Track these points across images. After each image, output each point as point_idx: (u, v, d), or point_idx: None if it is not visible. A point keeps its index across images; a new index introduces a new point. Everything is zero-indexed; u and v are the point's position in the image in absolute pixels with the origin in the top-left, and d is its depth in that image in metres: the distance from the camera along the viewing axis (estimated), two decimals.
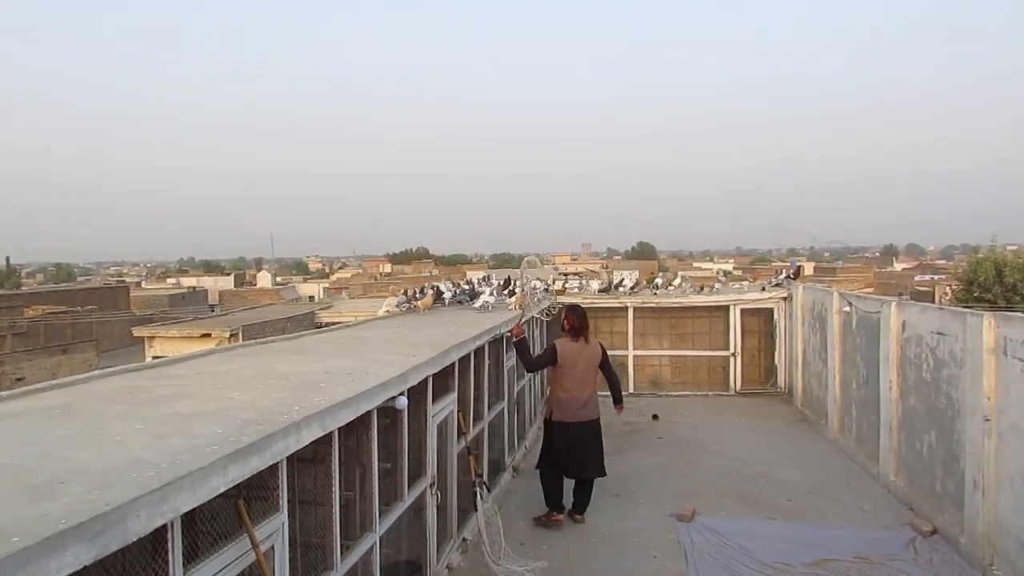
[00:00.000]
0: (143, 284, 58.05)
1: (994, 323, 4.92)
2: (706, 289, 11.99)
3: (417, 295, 8.44)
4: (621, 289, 11.91)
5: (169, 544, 2.14)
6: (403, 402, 3.86)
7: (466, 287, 9.15)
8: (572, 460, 6.05)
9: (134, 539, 1.89)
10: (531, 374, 8.28)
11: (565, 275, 16.47)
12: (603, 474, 6.17)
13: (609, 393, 6.34)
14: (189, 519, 2.32)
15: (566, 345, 6.11)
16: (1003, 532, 4.75)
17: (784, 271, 11.80)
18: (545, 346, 7.29)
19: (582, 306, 6.45)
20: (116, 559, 1.98)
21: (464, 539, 5.41)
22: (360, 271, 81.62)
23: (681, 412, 9.97)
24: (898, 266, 70.50)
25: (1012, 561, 4.63)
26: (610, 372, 6.36)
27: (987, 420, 4.88)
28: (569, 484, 6.22)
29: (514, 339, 6.26)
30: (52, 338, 25.12)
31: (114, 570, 2.09)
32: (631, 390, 11.14)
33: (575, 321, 6.15)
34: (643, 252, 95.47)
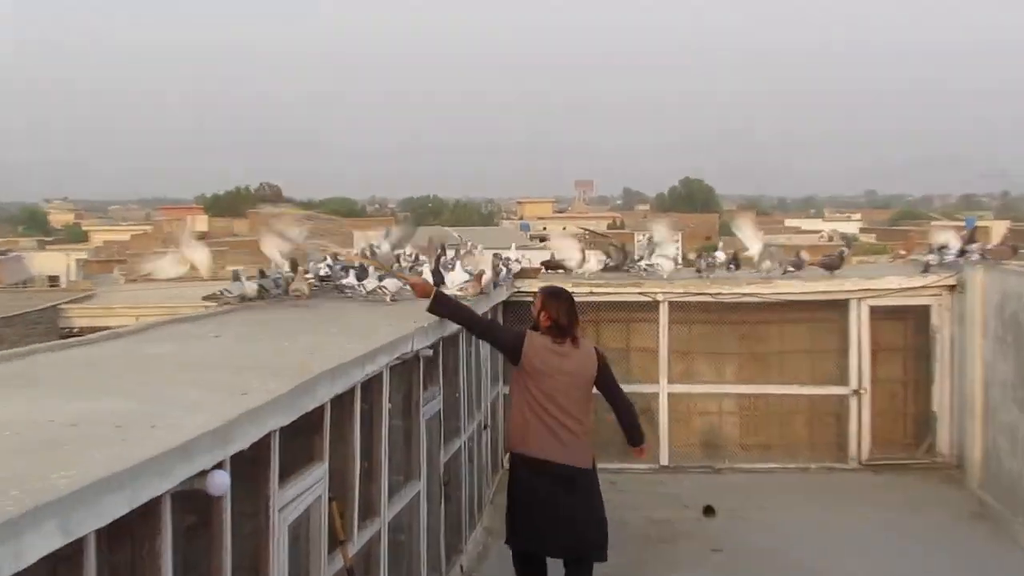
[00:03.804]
0: None
1: None
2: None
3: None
4: (646, 268, 11.99)
5: None
6: (221, 482, 3.86)
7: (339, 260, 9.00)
8: (541, 523, 6.54)
9: None
10: (480, 422, 8.45)
11: (542, 240, 16.57)
12: (602, 555, 6.63)
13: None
14: None
15: (541, 344, 6.57)
16: None
17: (952, 237, 11.99)
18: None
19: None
20: None
21: None
22: (149, 228, 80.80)
23: (758, 501, 10.13)
24: None
25: None
26: (616, 394, 6.91)
27: None
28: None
29: (430, 302, 6.80)
30: None
31: None
32: (664, 461, 11.30)
33: (557, 313, 6.62)
34: (692, 198, 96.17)
